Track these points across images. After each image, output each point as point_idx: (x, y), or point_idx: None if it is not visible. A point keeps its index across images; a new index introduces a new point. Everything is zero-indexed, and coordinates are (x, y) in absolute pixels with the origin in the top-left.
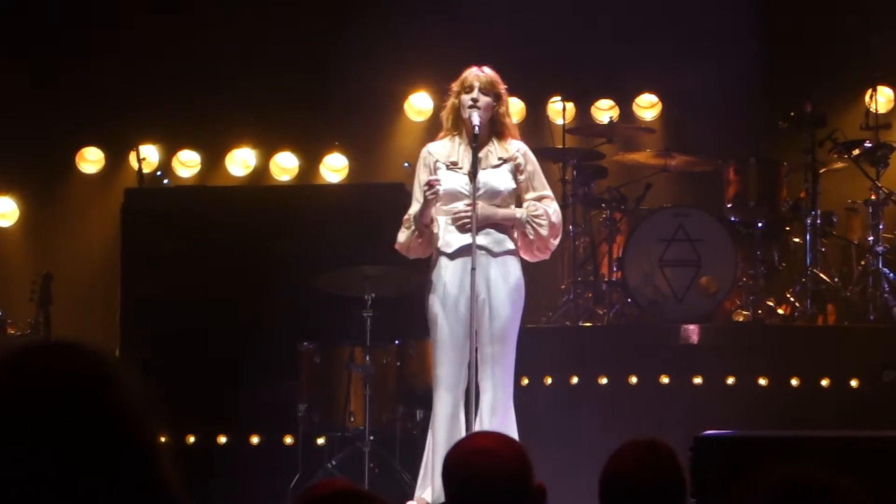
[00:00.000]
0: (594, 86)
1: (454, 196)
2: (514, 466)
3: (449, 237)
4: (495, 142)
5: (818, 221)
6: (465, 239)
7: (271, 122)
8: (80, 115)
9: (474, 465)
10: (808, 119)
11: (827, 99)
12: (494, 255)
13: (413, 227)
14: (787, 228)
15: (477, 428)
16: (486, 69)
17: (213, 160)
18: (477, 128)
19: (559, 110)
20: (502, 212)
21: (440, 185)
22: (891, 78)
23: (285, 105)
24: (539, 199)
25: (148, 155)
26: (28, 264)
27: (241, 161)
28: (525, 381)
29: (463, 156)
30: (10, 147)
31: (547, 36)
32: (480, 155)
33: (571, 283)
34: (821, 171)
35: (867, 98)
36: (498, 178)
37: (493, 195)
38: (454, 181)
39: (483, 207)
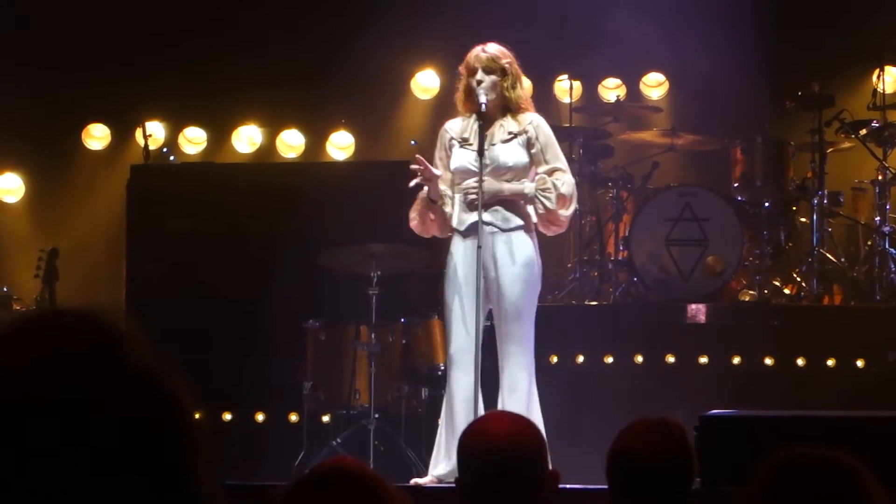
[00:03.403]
0: (601, 64)
1: (465, 173)
2: (528, 450)
3: (462, 215)
4: (508, 117)
5: (825, 201)
6: (475, 216)
7: (278, 100)
8: (87, 92)
9: (489, 447)
10: (816, 99)
11: (834, 78)
12: (502, 231)
13: (420, 205)
14: (794, 208)
15: (499, 407)
16: (489, 46)
17: (219, 137)
18: (483, 106)
19: (566, 89)
20: (509, 187)
21: (421, 168)
22: None
23: (292, 82)
24: (550, 171)
25: (154, 132)
26: (34, 240)
27: (247, 138)
28: None
29: (474, 132)
30: (17, 123)
31: (554, 14)
32: (491, 131)
33: (577, 262)
34: (828, 151)
35: (874, 78)
36: (506, 153)
37: (501, 171)
38: (464, 158)
39: (490, 183)
